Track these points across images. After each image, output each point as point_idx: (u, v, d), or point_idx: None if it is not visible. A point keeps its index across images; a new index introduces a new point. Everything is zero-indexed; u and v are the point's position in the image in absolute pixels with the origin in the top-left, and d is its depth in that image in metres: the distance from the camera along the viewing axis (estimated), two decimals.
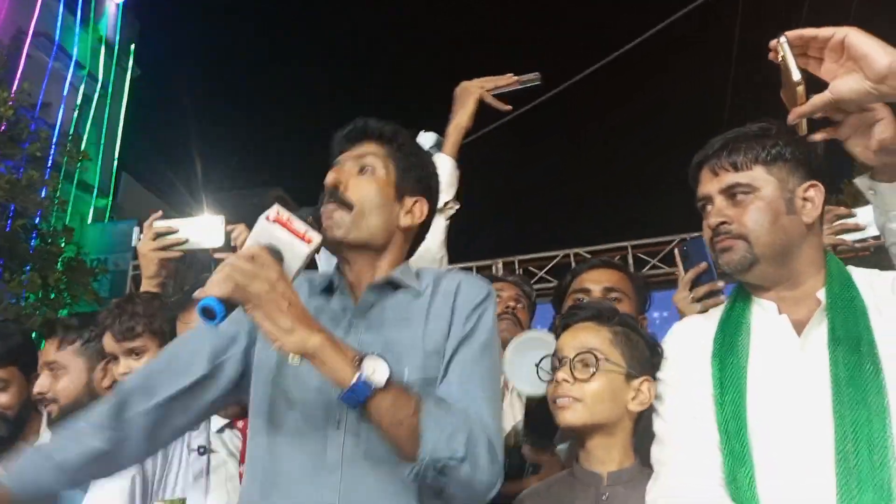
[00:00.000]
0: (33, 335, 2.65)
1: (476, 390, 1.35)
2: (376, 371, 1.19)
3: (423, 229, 1.62)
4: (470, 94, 2.22)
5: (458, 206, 2.21)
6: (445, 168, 2.12)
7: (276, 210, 1.25)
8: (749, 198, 1.45)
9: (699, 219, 1.57)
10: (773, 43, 1.37)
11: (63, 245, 11.75)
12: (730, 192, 1.47)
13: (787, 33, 1.36)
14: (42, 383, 2.22)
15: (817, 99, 1.34)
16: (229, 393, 1.47)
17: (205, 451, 1.97)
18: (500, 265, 9.69)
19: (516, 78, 2.25)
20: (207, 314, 1.12)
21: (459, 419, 1.26)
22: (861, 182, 1.49)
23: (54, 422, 2.20)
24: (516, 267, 9.92)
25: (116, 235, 15.77)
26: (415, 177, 1.58)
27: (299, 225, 1.25)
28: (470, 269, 9.35)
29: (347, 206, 1.47)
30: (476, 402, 1.33)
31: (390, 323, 1.44)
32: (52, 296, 10.16)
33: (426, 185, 1.61)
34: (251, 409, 1.45)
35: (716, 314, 1.54)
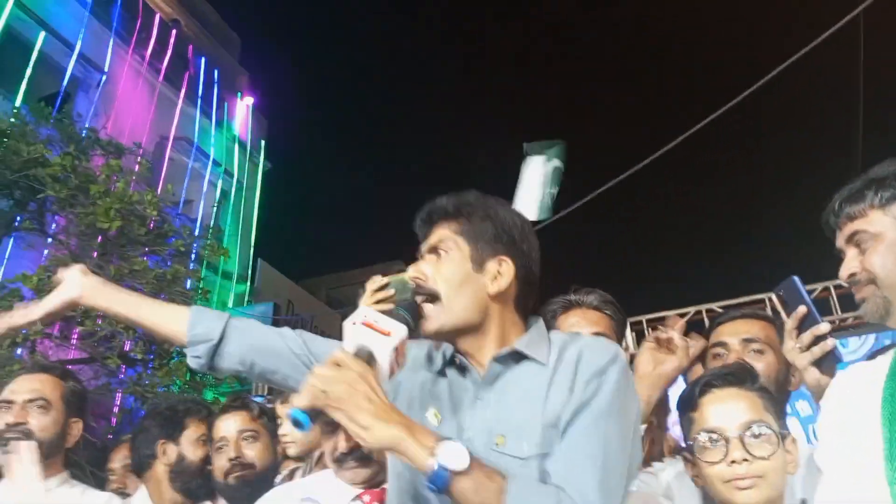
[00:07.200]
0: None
1: (584, 462, 1.29)
2: (454, 456, 1.19)
3: (525, 283, 1.54)
4: None
5: None
6: None
7: (363, 313, 1.33)
8: (870, 243, 1.42)
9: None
10: None
11: None
12: (854, 241, 1.45)
13: None
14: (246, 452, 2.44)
15: None
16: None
17: None
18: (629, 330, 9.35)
19: None
20: (296, 424, 1.23)
21: (550, 499, 1.22)
22: None
23: (250, 484, 2.39)
24: (644, 328, 9.52)
25: (255, 318, 16.68)
26: (490, 239, 1.51)
27: (385, 324, 1.32)
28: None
29: (433, 296, 1.47)
30: (580, 476, 1.27)
31: (512, 397, 1.41)
32: (198, 378, 10.79)
33: (507, 242, 1.52)
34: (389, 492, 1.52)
35: (884, 361, 1.40)
